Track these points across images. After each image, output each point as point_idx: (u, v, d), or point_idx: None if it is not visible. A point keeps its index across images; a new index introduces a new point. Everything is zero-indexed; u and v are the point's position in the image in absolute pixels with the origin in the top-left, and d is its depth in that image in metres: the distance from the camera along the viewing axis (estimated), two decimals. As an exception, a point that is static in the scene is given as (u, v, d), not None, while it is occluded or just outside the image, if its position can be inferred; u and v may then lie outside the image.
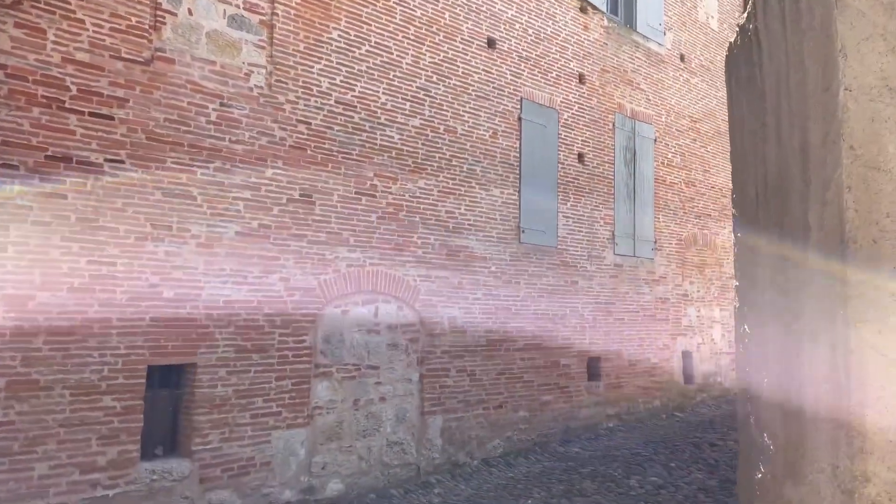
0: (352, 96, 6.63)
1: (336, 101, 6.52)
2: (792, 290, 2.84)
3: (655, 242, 10.03)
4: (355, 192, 6.60)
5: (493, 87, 7.95)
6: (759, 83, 3.31)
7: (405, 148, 7.04)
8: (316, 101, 6.41)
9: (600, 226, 9.17)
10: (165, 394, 5.50)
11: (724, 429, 8.79)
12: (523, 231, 8.09)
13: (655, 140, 10.13)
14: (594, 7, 9.26)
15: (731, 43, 3.98)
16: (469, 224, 7.58)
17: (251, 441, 5.74)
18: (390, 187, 6.88)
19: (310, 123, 6.34)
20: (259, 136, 5.98)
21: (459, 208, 7.49)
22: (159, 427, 5.43)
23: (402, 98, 7.04)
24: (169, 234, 5.39)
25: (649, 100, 10.14)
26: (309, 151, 6.31)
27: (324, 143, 6.41)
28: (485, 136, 7.81)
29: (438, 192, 7.31)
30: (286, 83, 6.20)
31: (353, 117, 6.63)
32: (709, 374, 10.99)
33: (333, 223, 6.42)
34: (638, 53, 9.99)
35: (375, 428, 6.65)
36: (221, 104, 5.79)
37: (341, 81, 6.57)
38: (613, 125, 9.47)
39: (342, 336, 6.48)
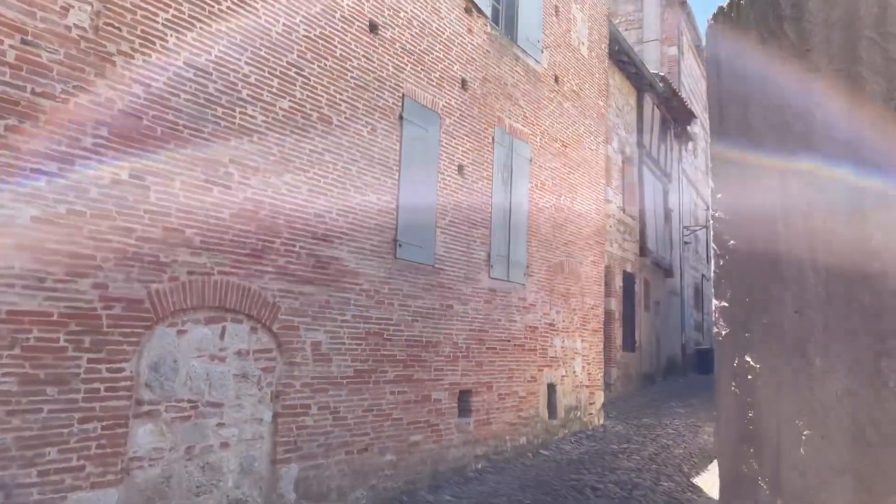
0: (206, 60, 5.26)
1: (186, 64, 5.11)
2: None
3: (528, 267, 9.42)
4: (205, 180, 5.19)
5: (374, 78, 6.89)
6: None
7: (271, 133, 5.74)
8: (158, 59, 4.96)
9: (477, 245, 8.36)
10: None
11: (599, 469, 8.23)
12: (400, 245, 7.04)
13: (531, 160, 9.59)
14: (479, 10, 8.56)
15: None
16: (342, 232, 6.39)
17: (37, 511, 4.09)
18: (250, 179, 5.54)
19: (149, 86, 4.87)
20: (76, 92, 4.43)
21: (331, 212, 6.29)
22: None
23: (270, 73, 5.76)
24: (-75, 212, 3.70)
25: (527, 118, 9.60)
26: (145, 121, 4.83)
27: (166, 114, 4.97)
28: (363, 131, 6.70)
29: (308, 190, 6.06)
30: (119, 29, 4.71)
31: (206, 87, 5.25)
32: (570, 409, 10.52)
33: (173, 216, 4.96)
34: (518, 67, 9.44)
35: (214, 483, 5.18)
36: (24, 41, 4.21)
37: (194, 40, 5.18)
38: (493, 139, 8.77)
39: (176, 364, 4.99)
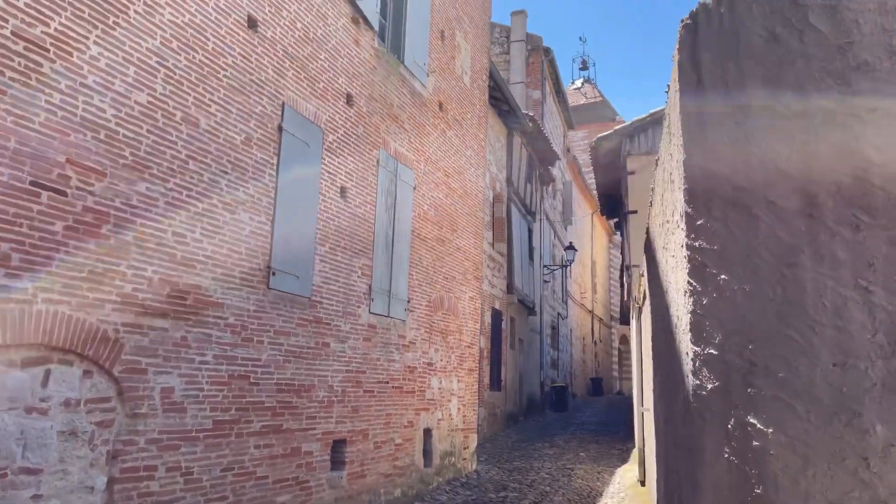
0: (43, 33, 4.16)
1: (14, 34, 3.99)
2: None
3: (409, 302, 8.73)
4: (30, 182, 4.05)
5: (252, 80, 6.00)
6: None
7: (122, 131, 4.68)
8: (-25, 22, 3.83)
9: (358, 277, 7.56)
10: None
11: (482, 523, 7.59)
12: (274, 274, 6.10)
13: (415, 188, 8.99)
14: (367, 23, 7.92)
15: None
16: (205, 256, 5.37)
17: None
18: (93, 184, 4.44)
19: (-42, 54, 3.73)
20: None
21: (194, 231, 5.26)
22: None
23: (125, 58, 4.73)
24: None
25: (412, 142, 9.01)
26: (-50, 100, 3.67)
27: (-19, 93, 3.83)
28: (235, 139, 5.77)
29: (166, 203, 5.02)
30: (-81, -25, 3.56)
31: (41, 66, 4.14)
32: (445, 454, 9.85)
33: (-17, 226, 3.79)
34: (404, 89, 8.86)
35: (22, 576, 3.95)
36: None
37: (27, 5, 4.08)
38: (378, 162, 8.07)
39: (-24, 420, 3.77)
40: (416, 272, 8.98)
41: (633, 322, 9.96)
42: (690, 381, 2.70)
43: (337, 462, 7.17)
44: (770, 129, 2.32)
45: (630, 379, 47.44)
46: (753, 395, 2.33)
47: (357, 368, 7.48)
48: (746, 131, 2.45)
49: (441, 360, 9.73)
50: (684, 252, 2.79)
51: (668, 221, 3.75)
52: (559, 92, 27.72)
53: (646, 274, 6.77)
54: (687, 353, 2.79)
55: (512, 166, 17.79)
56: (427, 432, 9.29)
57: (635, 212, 14.21)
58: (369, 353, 7.74)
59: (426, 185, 9.40)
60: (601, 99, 48.49)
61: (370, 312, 7.76)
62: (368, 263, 7.75)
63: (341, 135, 7.33)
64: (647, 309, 7.01)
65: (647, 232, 5.91)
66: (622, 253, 16.38)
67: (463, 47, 10.97)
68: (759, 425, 2.29)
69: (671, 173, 3.33)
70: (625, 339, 47.27)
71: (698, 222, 2.69)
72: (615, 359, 44.97)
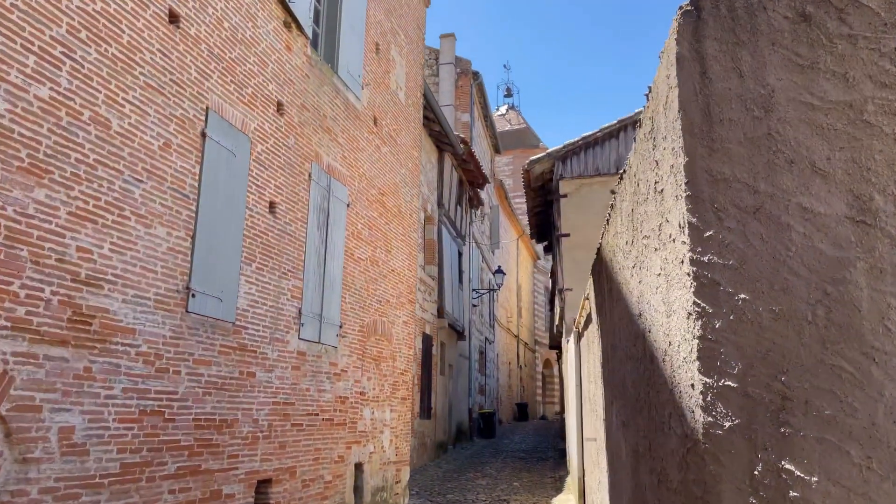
0: (-82, 6, 3.50)
1: None
2: None
3: (341, 327, 8.18)
4: None
5: (172, 80, 5.40)
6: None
7: (18, 129, 4.02)
8: None
9: (287, 300, 6.97)
10: None
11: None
12: (193, 296, 5.46)
13: (349, 205, 8.49)
14: (299, 27, 7.43)
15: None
16: (114, 275, 4.70)
17: None
18: (-23, 188, 3.76)
19: None
20: None
21: (102, 247, 4.60)
22: None
23: (24, 46, 4.08)
24: None
25: (345, 157, 8.53)
26: None
27: None
28: (152, 144, 5.14)
29: (69, 214, 4.35)
30: None
31: (-87, 44, 3.47)
32: (377, 490, 9.26)
33: None
34: (338, 101, 8.39)
35: None
36: None
37: None
38: (310, 176, 7.54)
39: None
40: (349, 295, 8.45)
41: (572, 346, 9.73)
42: (699, 417, 2.33)
43: (262, 504, 6.51)
44: (802, 124, 2.01)
45: (553, 404, 47.89)
46: (789, 436, 1.98)
47: (285, 400, 6.86)
48: (770, 127, 2.14)
49: (374, 389, 9.18)
50: (687, 269, 2.43)
51: (646, 237, 3.43)
52: (487, 116, 27.83)
53: (593, 297, 6.49)
54: (692, 385, 2.43)
55: (443, 188, 17.51)
56: (358, 467, 8.70)
57: (568, 235, 14.14)
58: (298, 382, 7.14)
59: (360, 202, 8.91)
60: (525, 126, 49.33)
61: (300, 338, 7.17)
62: (299, 285, 7.18)
63: (271, 145, 6.78)
64: (592, 333, 6.73)
65: (599, 252, 5.63)
66: (553, 276, 16.31)
67: (398, 62, 10.61)
68: (798, 472, 1.94)
69: (656, 182, 3.01)
70: (548, 364, 47.66)
71: (707, 234, 2.34)
72: (539, 383, 45.19)
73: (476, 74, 24.69)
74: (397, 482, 10.05)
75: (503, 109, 50.19)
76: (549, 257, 49.45)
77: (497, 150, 31.00)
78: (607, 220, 5.17)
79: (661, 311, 3.12)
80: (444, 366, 17.89)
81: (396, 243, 10.23)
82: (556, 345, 22.30)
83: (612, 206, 5.03)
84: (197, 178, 5.60)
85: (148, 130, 5.09)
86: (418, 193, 11.62)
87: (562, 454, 18.17)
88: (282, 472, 6.77)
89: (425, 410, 15.31)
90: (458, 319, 18.97)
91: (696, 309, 2.31)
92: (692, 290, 2.34)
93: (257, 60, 6.63)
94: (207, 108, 5.80)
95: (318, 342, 7.59)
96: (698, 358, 2.31)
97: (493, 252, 29.93)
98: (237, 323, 6.08)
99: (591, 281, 6.45)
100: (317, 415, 7.52)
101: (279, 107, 6.97)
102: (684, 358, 2.65)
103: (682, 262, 2.43)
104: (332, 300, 7.93)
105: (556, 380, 48.45)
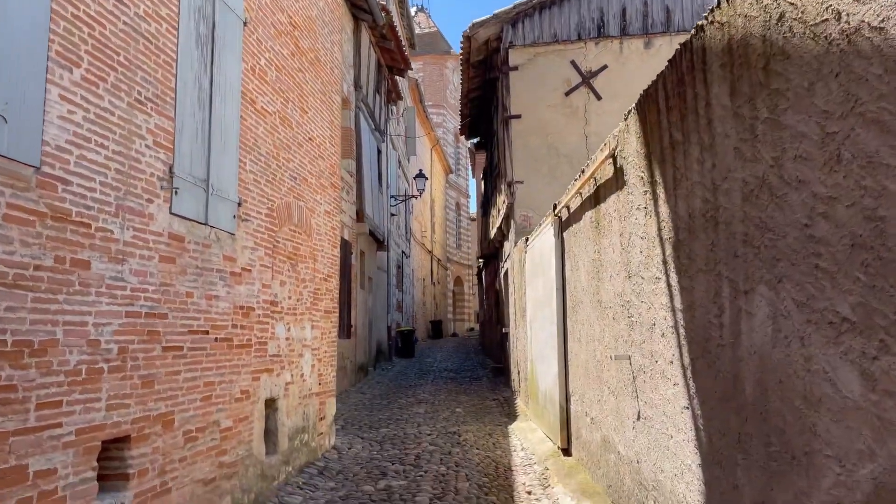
0: None
1: None
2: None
3: (240, 206, 5.51)
4: None
5: None
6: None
7: None
8: None
9: (147, 146, 4.22)
10: None
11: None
12: (-71, 95, 2.67)
13: (246, 23, 5.66)
14: None
15: None
16: None
17: None
18: None
19: None
20: None
21: None
22: None
23: None
24: None
25: (239, -50, 5.61)
26: None
27: None
28: None
29: None
30: None
31: None
32: (296, 432, 6.85)
33: None
34: None
35: None
36: None
37: None
38: (180, -46, 4.65)
39: None
40: (250, 161, 5.74)
41: (539, 245, 7.49)
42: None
43: (113, 478, 3.97)
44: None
45: (464, 321, 46.65)
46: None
47: (150, 310, 4.22)
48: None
49: (289, 298, 6.63)
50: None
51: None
52: (403, 2, 24.54)
53: (637, 150, 4.18)
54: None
55: (360, 68, 14.58)
56: (270, 404, 6.23)
57: (518, 116, 11.72)
58: (173, 283, 4.49)
59: (264, 26, 6.08)
60: (435, 30, 45.96)
61: (171, 213, 4.48)
62: (167, 126, 4.42)
63: None
64: (623, 206, 4.43)
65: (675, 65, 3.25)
66: (499, 167, 13.92)
67: None
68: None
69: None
70: (458, 281, 46.10)
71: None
72: (450, 301, 43.74)
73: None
74: (321, 419, 7.69)
75: (412, 10, 46.40)
76: (459, 171, 47.05)
77: (412, 45, 27.81)
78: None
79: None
80: (364, 279, 15.46)
81: (314, 102, 7.49)
82: (488, 254, 20.13)
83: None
84: None
85: None
86: (340, 42, 8.81)
87: (496, 372, 16.39)
88: (148, 424, 4.21)
89: (345, 329, 12.90)
90: (378, 226, 16.44)
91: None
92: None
93: None
94: None
95: (205, 223, 4.91)
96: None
97: (408, 160, 27.23)
98: (45, 170, 3.33)
99: (631, 130, 4.09)
100: (206, 333, 4.93)
101: None
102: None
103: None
104: (225, 163, 5.22)
105: (467, 297, 47.08)
